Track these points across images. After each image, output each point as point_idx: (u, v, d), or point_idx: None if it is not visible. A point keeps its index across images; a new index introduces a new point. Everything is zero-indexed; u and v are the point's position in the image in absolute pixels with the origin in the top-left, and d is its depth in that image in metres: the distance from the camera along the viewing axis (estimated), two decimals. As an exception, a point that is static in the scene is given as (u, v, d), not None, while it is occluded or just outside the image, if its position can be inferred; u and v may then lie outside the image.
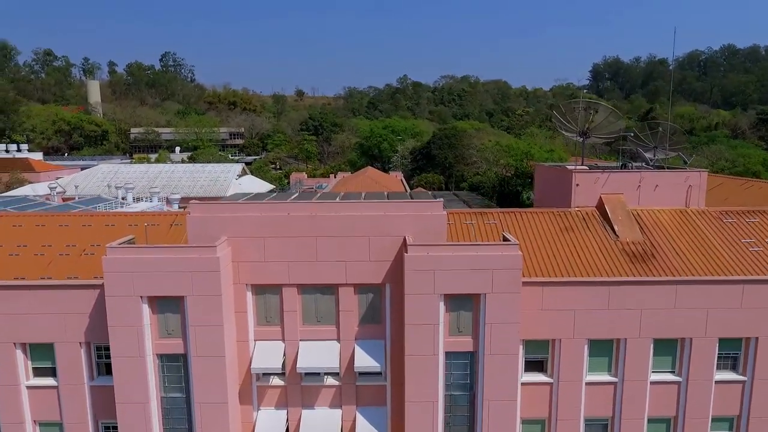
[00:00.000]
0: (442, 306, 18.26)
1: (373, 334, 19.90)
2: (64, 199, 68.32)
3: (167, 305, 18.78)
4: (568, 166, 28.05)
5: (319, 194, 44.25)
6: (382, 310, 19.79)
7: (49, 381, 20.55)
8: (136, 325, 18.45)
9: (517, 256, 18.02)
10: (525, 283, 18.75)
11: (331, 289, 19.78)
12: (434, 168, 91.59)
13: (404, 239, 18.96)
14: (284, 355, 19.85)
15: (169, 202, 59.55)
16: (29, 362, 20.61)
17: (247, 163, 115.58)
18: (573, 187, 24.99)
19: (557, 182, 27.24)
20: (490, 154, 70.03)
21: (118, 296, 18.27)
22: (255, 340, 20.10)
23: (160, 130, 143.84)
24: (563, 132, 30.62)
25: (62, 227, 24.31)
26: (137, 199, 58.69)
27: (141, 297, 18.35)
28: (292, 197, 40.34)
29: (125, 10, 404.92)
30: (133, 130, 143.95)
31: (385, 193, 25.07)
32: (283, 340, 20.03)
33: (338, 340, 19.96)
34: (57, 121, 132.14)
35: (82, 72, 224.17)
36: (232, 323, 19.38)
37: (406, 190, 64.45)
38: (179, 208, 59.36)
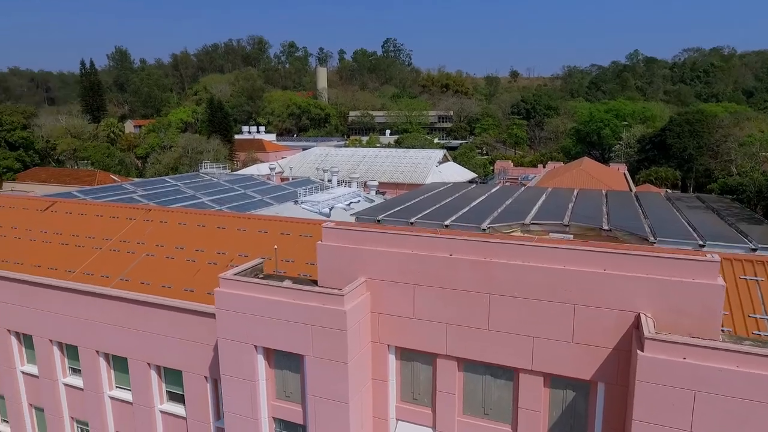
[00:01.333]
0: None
1: (569, 450, 12.52)
2: (281, 179, 72.38)
3: (286, 361, 14.09)
4: None
5: (522, 189, 36.70)
6: (590, 420, 12.21)
7: (180, 410, 17.88)
8: (251, 379, 14.16)
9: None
10: None
11: (507, 374, 12.88)
12: (668, 161, 74.79)
13: (636, 318, 11.05)
14: (434, 450, 13.75)
15: (367, 187, 57.52)
16: (163, 385, 18.20)
17: (452, 148, 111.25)
18: None
19: None
20: (755, 147, 52.87)
21: (231, 340, 14.15)
22: (397, 420, 14.35)
23: (374, 113, 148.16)
24: None
25: (220, 230, 21.67)
26: (342, 183, 57.96)
27: (255, 346, 13.95)
28: (492, 190, 33.55)
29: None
30: (351, 114, 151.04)
31: (604, 209, 16.89)
32: (434, 428, 13.88)
33: (513, 446, 13.07)
34: (290, 106, 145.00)
35: (317, 60, 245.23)
36: (366, 394, 13.88)
37: (631, 189, 52.16)
38: (377, 194, 56.95)
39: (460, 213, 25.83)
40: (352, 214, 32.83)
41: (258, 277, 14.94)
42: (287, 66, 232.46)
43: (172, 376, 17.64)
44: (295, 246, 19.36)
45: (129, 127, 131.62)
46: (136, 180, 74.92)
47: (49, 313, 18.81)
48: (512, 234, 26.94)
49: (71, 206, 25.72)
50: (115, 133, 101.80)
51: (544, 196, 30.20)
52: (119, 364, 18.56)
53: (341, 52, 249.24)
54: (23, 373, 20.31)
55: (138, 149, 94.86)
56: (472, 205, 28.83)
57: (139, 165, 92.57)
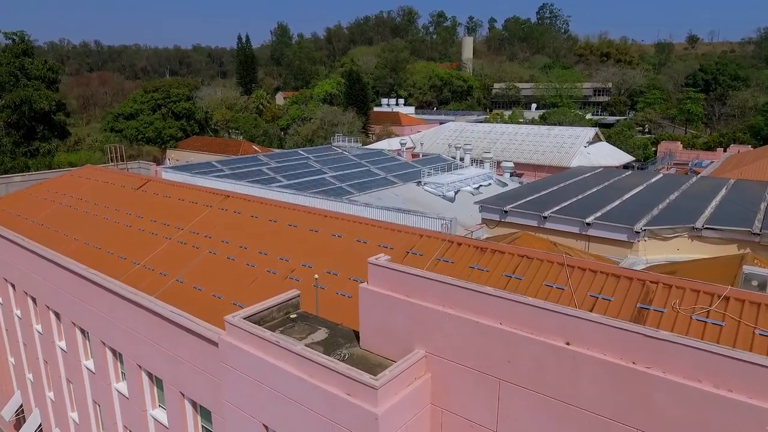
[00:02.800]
0: None
1: None
2: (412, 155, 68.34)
3: (306, 449, 9.64)
4: None
5: (693, 179, 28.09)
6: None
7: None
8: (263, 463, 10.02)
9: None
10: None
11: None
12: None
13: None
14: None
15: (501, 168, 50.90)
16: (198, 420, 15.03)
17: (606, 125, 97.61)
18: None
19: None
20: None
21: (236, 409, 10.05)
22: None
23: (521, 85, 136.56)
24: None
25: (290, 228, 17.84)
26: (474, 162, 51.90)
27: (266, 427, 9.68)
28: (652, 180, 25.70)
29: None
30: (495, 86, 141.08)
31: None
32: None
33: None
34: (432, 77, 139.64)
35: (465, 30, 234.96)
36: None
37: None
38: (512, 176, 50.15)
39: (608, 208, 19.73)
40: (476, 202, 27.55)
41: (287, 318, 10.57)
42: (434, 37, 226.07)
43: (205, 412, 14.33)
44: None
45: (280, 98, 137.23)
46: (276, 151, 76.36)
47: (99, 313, 16.55)
48: (675, 245, 19.64)
49: (161, 187, 23.90)
50: (264, 105, 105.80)
51: (723, 190, 22.41)
52: (160, 383, 15.76)
53: (492, 21, 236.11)
54: (84, 367, 18.61)
55: (281, 120, 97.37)
56: (624, 198, 22.18)
57: (281, 136, 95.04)
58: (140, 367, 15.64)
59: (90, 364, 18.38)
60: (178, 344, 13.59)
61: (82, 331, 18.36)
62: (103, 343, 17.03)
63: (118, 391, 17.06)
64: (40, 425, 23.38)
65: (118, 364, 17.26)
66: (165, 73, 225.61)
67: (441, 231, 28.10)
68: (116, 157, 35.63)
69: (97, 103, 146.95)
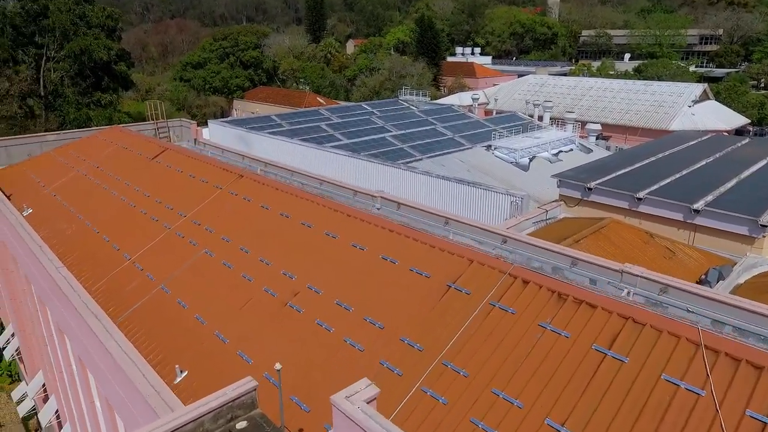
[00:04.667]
0: None
1: None
2: (484, 112, 61.74)
3: None
4: None
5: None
6: None
7: None
8: None
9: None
10: None
11: None
12: None
13: None
14: None
15: (585, 130, 43.90)
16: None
17: (713, 79, 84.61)
18: None
19: None
20: None
21: None
22: None
23: (613, 32, 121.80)
24: None
25: (304, 228, 13.64)
26: (555, 122, 44.93)
27: None
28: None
29: None
30: (584, 33, 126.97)
31: None
32: None
33: None
34: (513, 24, 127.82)
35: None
36: None
37: None
38: (598, 140, 43.11)
39: (722, 190, 14.86)
40: (554, 175, 22.39)
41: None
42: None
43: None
44: (391, 291, 10.32)
45: (350, 47, 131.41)
46: (340, 104, 72.16)
47: (69, 320, 13.37)
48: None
49: (175, 158, 20.37)
50: (332, 54, 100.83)
51: None
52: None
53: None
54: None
55: (348, 70, 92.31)
56: (742, 177, 16.81)
57: (348, 87, 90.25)
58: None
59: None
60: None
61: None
62: (80, 359, 13.99)
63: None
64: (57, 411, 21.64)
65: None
66: (242, 20, 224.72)
67: (510, 210, 22.96)
68: (155, 114, 32.75)
69: (174, 51, 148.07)
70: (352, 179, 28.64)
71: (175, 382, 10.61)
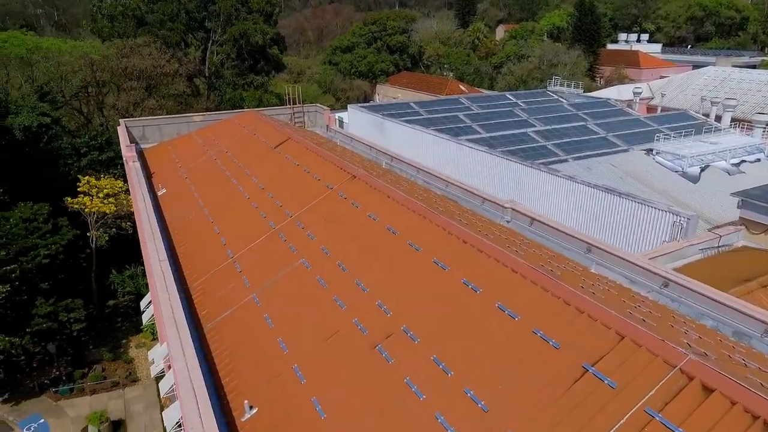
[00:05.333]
0: None
1: None
2: (647, 108, 54.06)
3: None
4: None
5: None
6: None
7: None
8: None
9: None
10: None
11: None
12: None
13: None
14: None
15: (776, 139, 35.99)
16: None
17: None
18: None
19: None
20: None
21: None
22: None
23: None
24: None
25: (410, 252, 11.47)
26: (737, 125, 37.16)
27: None
28: None
29: None
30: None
31: None
32: None
33: None
34: (691, 7, 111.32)
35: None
36: None
37: None
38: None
39: None
40: (734, 193, 18.26)
41: None
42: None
43: None
44: (506, 358, 7.76)
45: (500, 32, 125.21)
46: (483, 93, 68.53)
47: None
48: None
49: (295, 150, 19.40)
50: (479, 39, 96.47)
51: None
52: None
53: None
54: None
55: (494, 57, 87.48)
56: None
57: (493, 75, 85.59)
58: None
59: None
60: None
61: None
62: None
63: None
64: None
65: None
66: (395, 5, 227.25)
67: (671, 232, 18.77)
68: (291, 99, 32.78)
69: (329, 35, 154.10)
70: (485, 177, 25.78)
71: (242, 420, 9.22)
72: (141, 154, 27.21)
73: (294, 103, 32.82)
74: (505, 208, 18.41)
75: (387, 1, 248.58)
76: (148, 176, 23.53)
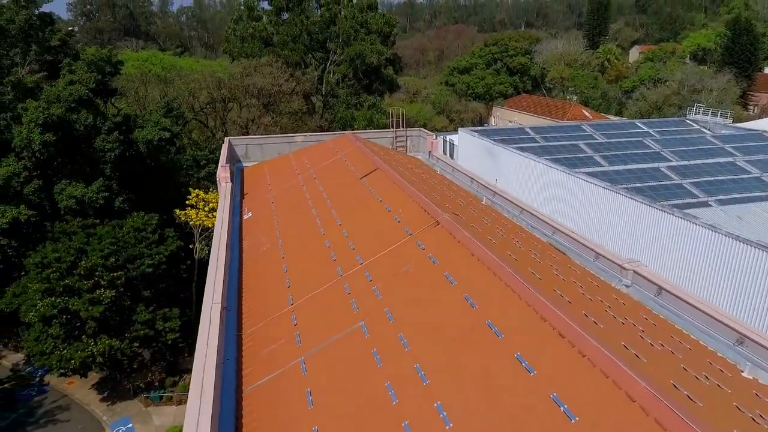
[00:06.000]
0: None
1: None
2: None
3: None
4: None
5: None
6: None
7: None
8: None
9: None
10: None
11: None
12: None
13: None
14: None
15: None
16: None
17: None
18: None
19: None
20: None
21: None
22: None
23: None
24: None
25: (487, 332, 8.85)
26: None
27: None
28: None
29: None
30: None
31: None
32: None
33: None
34: None
35: None
36: None
37: None
38: None
39: None
40: None
41: None
42: None
43: None
44: None
45: (634, 54, 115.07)
46: (610, 119, 62.46)
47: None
48: None
49: (381, 182, 17.51)
50: (609, 61, 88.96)
51: None
52: None
53: None
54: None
55: (625, 81, 79.78)
56: None
57: (623, 100, 78.03)
58: None
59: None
60: None
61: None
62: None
63: None
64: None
65: None
66: (520, 25, 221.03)
67: None
68: (395, 122, 31.22)
69: (449, 55, 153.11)
70: (602, 219, 21.88)
71: None
72: (241, 173, 27.20)
73: (397, 127, 31.26)
74: (625, 269, 14.87)
75: (513, 22, 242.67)
76: (242, 197, 23.12)
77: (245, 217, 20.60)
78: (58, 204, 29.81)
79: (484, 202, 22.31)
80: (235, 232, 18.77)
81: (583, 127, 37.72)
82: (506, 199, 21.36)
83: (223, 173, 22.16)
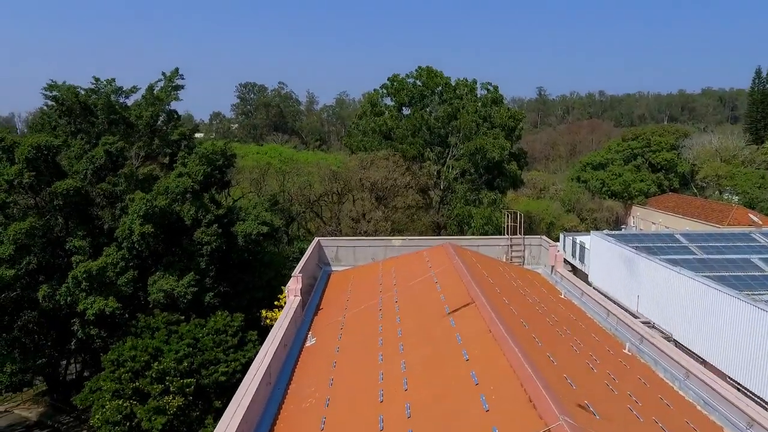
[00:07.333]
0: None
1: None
2: None
3: None
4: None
5: None
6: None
7: None
8: None
9: None
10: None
11: None
12: None
13: None
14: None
15: None
16: None
17: None
18: None
19: None
20: None
21: None
22: None
23: None
24: None
25: None
26: None
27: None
28: None
29: None
30: None
31: None
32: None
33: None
34: None
35: None
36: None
37: None
38: None
39: None
40: None
41: None
42: None
43: None
44: None
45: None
46: (788, 226, 50.52)
47: None
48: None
49: (472, 325, 12.37)
50: (782, 158, 75.14)
51: None
52: None
53: None
54: None
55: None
56: None
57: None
58: None
59: None
60: None
61: None
62: None
63: None
64: None
65: None
66: (663, 120, 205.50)
67: None
68: (511, 227, 26.00)
69: (582, 150, 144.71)
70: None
71: None
72: (327, 280, 23.67)
73: (513, 233, 26.02)
74: None
75: (654, 116, 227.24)
76: (316, 312, 19.27)
77: (308, 343, 16.50)
78: (149, 296, 28.68)
79: (626, 350, 15.82)
80: (287, 368, 14.62)
81: (754, 235, 28.97)
82: (658, 347, 14.72)
83: (293, 284, 18.56)
